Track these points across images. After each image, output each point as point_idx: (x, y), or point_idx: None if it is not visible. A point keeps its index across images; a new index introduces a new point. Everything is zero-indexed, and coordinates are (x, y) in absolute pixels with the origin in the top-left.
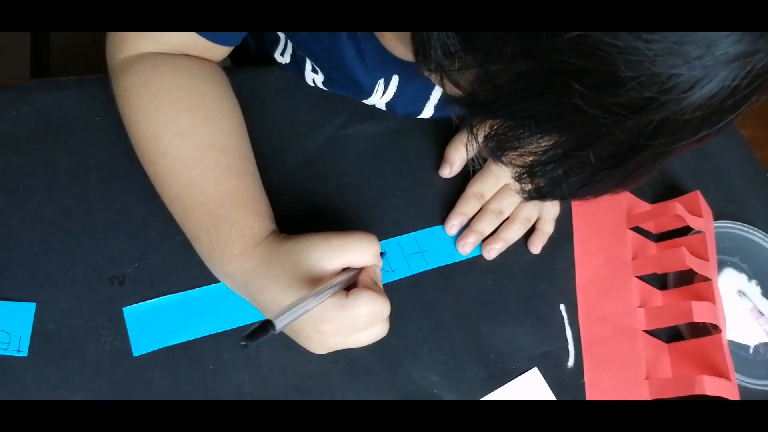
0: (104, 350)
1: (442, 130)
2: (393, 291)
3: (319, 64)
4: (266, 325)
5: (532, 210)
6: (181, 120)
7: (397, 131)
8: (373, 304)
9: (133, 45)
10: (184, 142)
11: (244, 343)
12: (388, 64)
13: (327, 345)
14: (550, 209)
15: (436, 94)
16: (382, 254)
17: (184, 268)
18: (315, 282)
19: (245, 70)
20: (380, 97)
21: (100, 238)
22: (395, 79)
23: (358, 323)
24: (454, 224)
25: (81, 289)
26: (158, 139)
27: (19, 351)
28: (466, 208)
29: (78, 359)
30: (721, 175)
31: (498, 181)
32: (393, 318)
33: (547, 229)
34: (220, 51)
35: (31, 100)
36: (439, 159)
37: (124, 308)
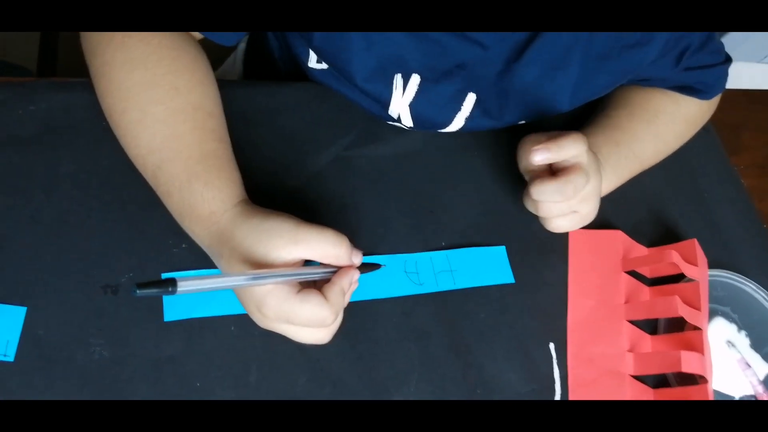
0: (92, 359)
1: (447, 156)
2: (386, 318)
3: (334, 63)
4: (167, 283)
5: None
6: (180, 76)
7: (401, 155)
8: (316, 311)
9: None
10: (179, 96)
11: (135, 288)
12: (406, 61)
13: (264, 325)
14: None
15: (469, 103)
16: (376, 267)
17: None
18: (267, 266)
19: (256, 84)
20: (401, 96)
21: (97, 245)
22: (415, 78)
23: (296, 321)
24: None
25: (73, 296)
26: (154, 87)
27: (5, 355)
28: (561, 153)
29: (65, 367)
30: (718, 223)
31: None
32: (384, 345)
33: (581, 208)
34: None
35: (38, 101)
36: (442, 186)
37: (162, 274)
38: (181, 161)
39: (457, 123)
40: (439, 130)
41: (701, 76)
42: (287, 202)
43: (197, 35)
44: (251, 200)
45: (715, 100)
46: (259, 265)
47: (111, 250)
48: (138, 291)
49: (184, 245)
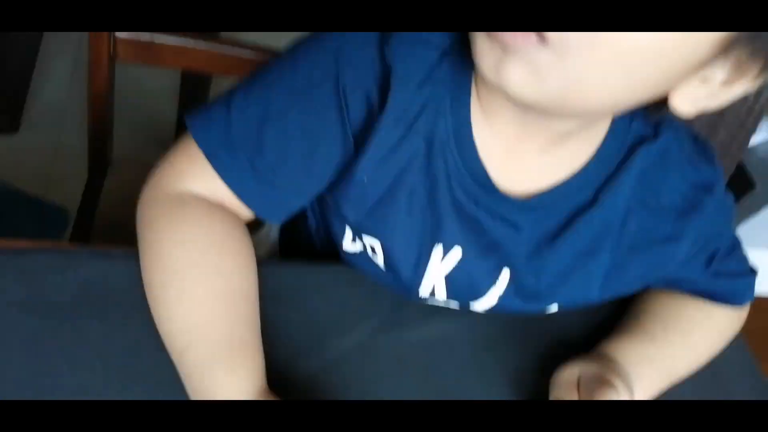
0: None
1: (474, 346)
2: None
3: (375, 233)
4: None
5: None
6: (224, 259)
7: (427, 342)
8: None
9: (189, 182)
10: (220, 279)
11: None
12: (449, 233)
13: None
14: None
15: (504, 279)
16: None
17: None
18: None
19: (289, 264)
20: (439, 263)
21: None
22: (457, 250)
23: None
24: None
25: None
26: (198, 268)
27: None
28: None
29: None
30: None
31: None
32: None
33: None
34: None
35: (77, 267)
36: (468, 375)
37: None
38: (208, 345)
39: (490, 299)
40: (472, 304)
41: (730, 283)
42: (307, 386)
43: (247, 214)
44: (271, 381)
45: (745, 311)
46: None
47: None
48: None
49: None
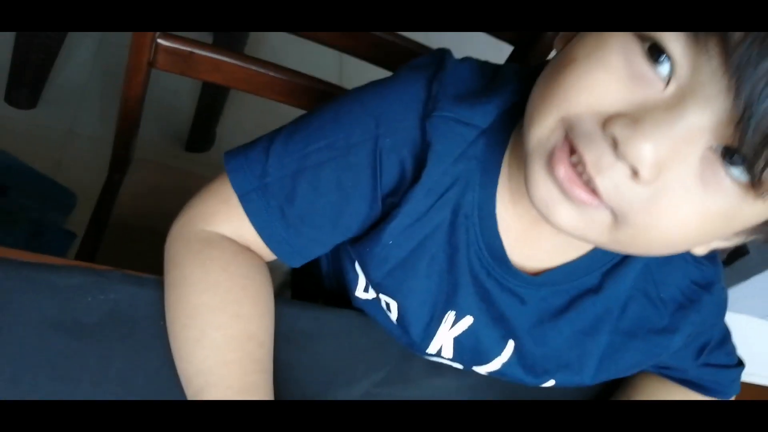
0: None
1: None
2: None
3: (392, 293)
4: None
5: None
6: (244, 305)
7: (428, 399)
8: None
9: (219, 224)
10: (239, 324)
11: None
12: (463, 301)
13: None
14: None
15: (508, 350)
16: None
17: None
18: None
19: (305, 306)
20: (449, 329)
21: None
22: (468, 319)
23: None
24: None
25: None
26: (218, 313)
27: None
28: None
29: None
30: None
31: None
32: None
33: None
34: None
35: (108, 290)
36: None
37: None
38: (221, 390)
39: (494, 365)
40: (475, 368)
41: (717, 375)
42: None
43: (270, 256)
44: None
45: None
46: None
47: None
48: None
49: None
